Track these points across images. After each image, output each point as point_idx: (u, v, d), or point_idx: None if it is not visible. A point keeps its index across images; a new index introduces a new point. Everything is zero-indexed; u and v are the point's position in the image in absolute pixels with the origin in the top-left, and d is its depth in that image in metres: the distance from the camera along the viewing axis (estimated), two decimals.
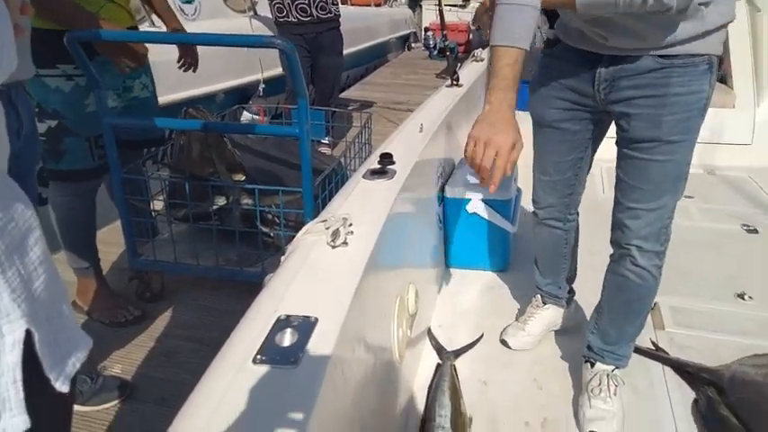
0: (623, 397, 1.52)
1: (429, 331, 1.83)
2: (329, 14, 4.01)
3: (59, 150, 1.93)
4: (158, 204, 2.39)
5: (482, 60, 3.37)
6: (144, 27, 3.38)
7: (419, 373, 1.65)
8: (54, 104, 1.88)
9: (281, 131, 2.78)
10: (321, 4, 3.93)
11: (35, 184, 1.55)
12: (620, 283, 1.46)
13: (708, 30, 1.22)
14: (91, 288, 2.16)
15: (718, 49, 1.27)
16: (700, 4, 1.18)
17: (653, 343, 1.80)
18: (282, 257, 1.20)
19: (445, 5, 4.18)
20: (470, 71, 3.20)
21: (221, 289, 2.36)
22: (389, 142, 1.92)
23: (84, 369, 1.69)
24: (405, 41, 10.14)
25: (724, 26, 1.25)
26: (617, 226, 1.43)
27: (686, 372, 1.66)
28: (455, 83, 2.81)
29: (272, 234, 2.24)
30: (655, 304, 1.97)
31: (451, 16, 8.99)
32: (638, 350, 1.69)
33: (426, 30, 9.53)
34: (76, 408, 1.66)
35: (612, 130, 1.43)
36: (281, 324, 0.91)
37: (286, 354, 0.85)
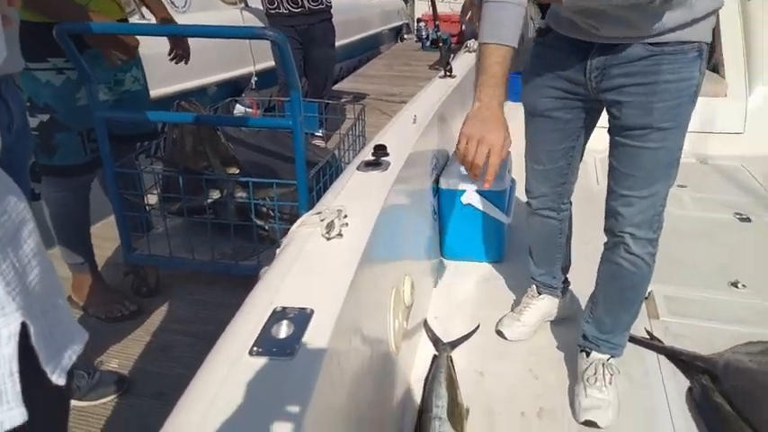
0: (618, 386, 1.53)
1: (425, 323, 1.84)
2: (321, 6, 3.99)
3: (52, 145, 1.92)
4: (152, 198, 2.38)
5: (475, 51, 3.37)
6: (134, 19, 3.35)
7: (416, 364, 1.66)
8: (45, 98, 1.86)
9: (274, 123, 2.77)
10: None
11: (27, 179, 1.54)
12: (614, 271, 1.47)
13: (697, 17, 1.23)
14: (86, 283, 2.15)
15: (708, 36, 1.28)
16: None
17: (647, 332, 1.81)
18: (278, 250, 1.20)
19: None
20: (463, 62, 3.19)
21: (217, 283, 2.35)
22: (383, 134, 1.92)
23: (80, 364, 1.70)
24: (397, 33, 10.09)
25: (713, 13, 1.26)
26: (610, 214, 1.44)
27: (681, 360, 1.68)
28: (448, 74, 2.81)
29: (266, 227, 2.24)
30: (649, 293, 1.99)
31: (444, 7, 8.92)
32: (633, 339, 1.70)
33: (419, 21, 9.49)
34: (74, 403, 1.67)
35: (605, 119, 1.43)
36: (277, 316, 0.91)
37: (282, 345, 0.85)
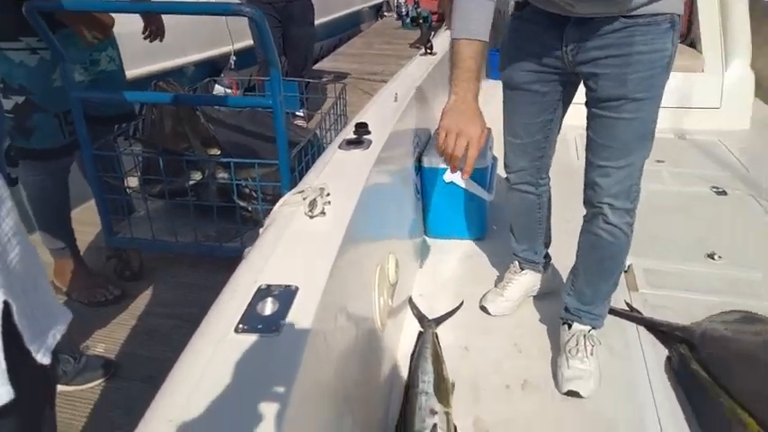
0: (600, 356, 1.57)
1: (410, 300, 1.85)
2: None
3: (28, 127, 1.88)
4: (133, 181, 2.36)
5: None
6: None
7: (401, 341, 1.67)
8: (19, 79, 1.82)
9: (253, 102, 2.75)
10: None
11: (2, 162, 1.52)
12: (593, 241, 1.50)
13: None
14: (68, 268, 2.13)
15: (680, 8, 1.31)
16: None
17: (627, 304, 1.85)
18: (261, 230, 1.20)
19: None
20: (444, 39, 3.17)
21: (200, 265, 2.35)
22: (364, 112, 1.91)
23: (66, 349, 1.70)
24: (377, 11, 9.99)
25: None
26: (589, 185, 1.46)
27: (659, 331, 1.72)
28: (429, 51, 2.80)
29: (249, 208, 2.23)
30: (629, 267, 2.03)
31: None
32: (614, 311, 1.74)
33: None
34: (61, 388, 1.66)
35: (583, 93, 1.45)
36: (262, 293, 0.92)
37: (268, 322, 0.86)
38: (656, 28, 1.27)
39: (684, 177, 2.82)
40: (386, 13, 10.11)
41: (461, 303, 1.85)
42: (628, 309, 1.83)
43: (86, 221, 2.46)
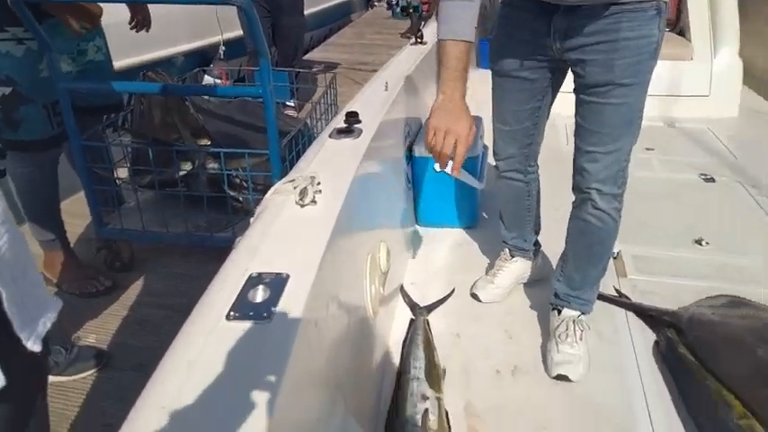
0: (589, 341, 1.58)
1: (402, 288, 1.86)
2: None
3: (15, 119, 1.86)
4: (122, 172, 2.34)
5: None
6: None
7: (393, 328, 1.69)
8: (6, 70, 1.80)
9: (243, 92, 2.73)
10: None
11: None
12: (581, 227, 1.52)
13: None
14: (58, 260, 2.12)
15: None
16: None
17: (616, 290, 1.87)
18: (251, 219, 1.20)
19: None
20: (434, 29, 3.17)
21: (192, 256, 2.34)
22: (355, 101, 1.91)
23: (57, 340, 1.69)
24: (367, 1, 9.94)
25: None
26: (577, 171, 1.48)
27: (648, 316, 1.74)
28: (419, 41, 2.79)
29: (240, 198, 2.23)
30: (618, 253, 2.05)
31: None
32: (603, 297, 1.75)
33: None
34: (53, 378, 1.66)
35: (571, 81, 1.45)
36: (253, 281, 0.92)
37: (259, 309, 0.86)
38: (642, 14, 1.29)
39: (673, 165, 2.84)
40: (376, 3, 10.05)
41: (453, 291, 1.86)
42: (617, 295, 1.85)
43: (76, 213, 2.44)
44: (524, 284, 1.90)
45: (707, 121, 3.33)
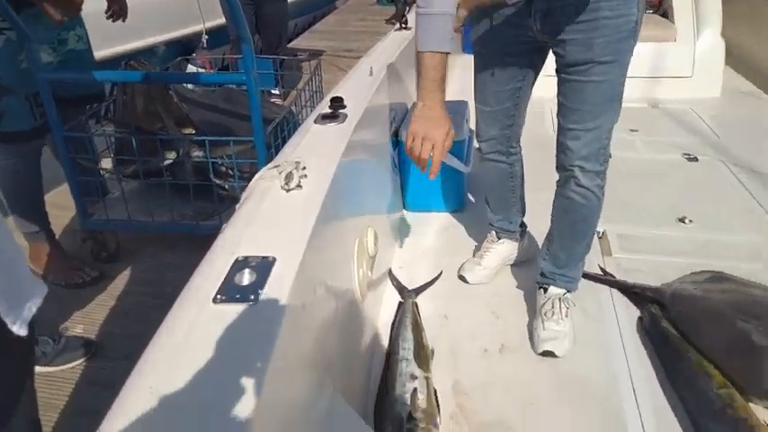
0: (574, 318, 1.61)
1: (390, 272, 1.87)
2: None
3: None
4: (106, 162, 2.33)
5: None
6: None
7: (381, 312, 1.70)
8: None
9: (227, 79, 2.72)
10: None
11: None
12: (566, 205, 1.54)
13: None
14: (43, 252, 2.11)
15: None
16: None
17: (601, 269, 1.89)
18: (237, 205, 1.20)
19: None
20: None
21: (178, 245, 2.34)
22: (339, 87, 1.91)
23: (44, 331, 1.69)
24: None
25: None
26: (560, 149, 1.50)
27: (632, 292, 1.77)
28: (403, 26, 2.78)
29: (226, 186, 2.22)
30: (603, 233, 2.07)
31: None
32: (588, 275, 1.78)
33: None
34: (41, 369, 1.66)
35: (553, 64, 1.47)
36: (240, 265, 0.93)
37: (246, 292, 0.87)
38: None
39: (657, 145, 2.86)
40: None
41: (440, 273, 1.88)
42: (601, 273, 1.87)
43: (61, 205, 2.43)
44: (511, 266, 1.92)
45: (690, 102, 3.36)
